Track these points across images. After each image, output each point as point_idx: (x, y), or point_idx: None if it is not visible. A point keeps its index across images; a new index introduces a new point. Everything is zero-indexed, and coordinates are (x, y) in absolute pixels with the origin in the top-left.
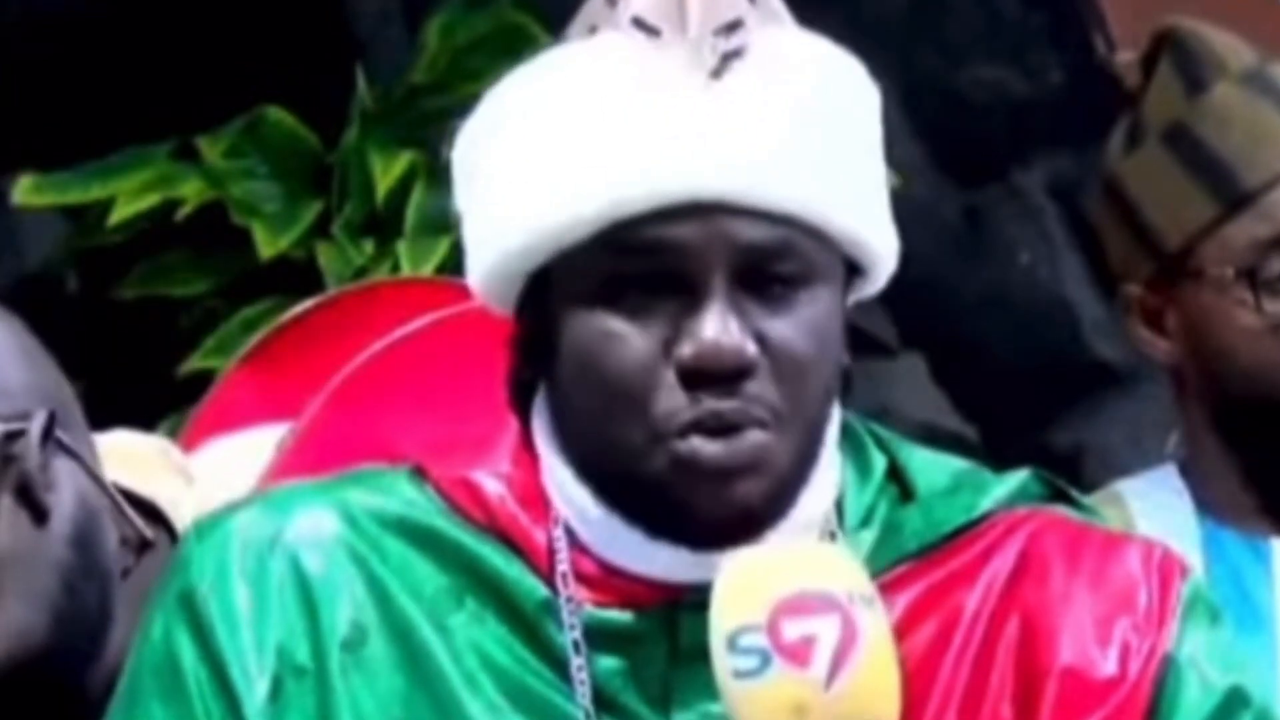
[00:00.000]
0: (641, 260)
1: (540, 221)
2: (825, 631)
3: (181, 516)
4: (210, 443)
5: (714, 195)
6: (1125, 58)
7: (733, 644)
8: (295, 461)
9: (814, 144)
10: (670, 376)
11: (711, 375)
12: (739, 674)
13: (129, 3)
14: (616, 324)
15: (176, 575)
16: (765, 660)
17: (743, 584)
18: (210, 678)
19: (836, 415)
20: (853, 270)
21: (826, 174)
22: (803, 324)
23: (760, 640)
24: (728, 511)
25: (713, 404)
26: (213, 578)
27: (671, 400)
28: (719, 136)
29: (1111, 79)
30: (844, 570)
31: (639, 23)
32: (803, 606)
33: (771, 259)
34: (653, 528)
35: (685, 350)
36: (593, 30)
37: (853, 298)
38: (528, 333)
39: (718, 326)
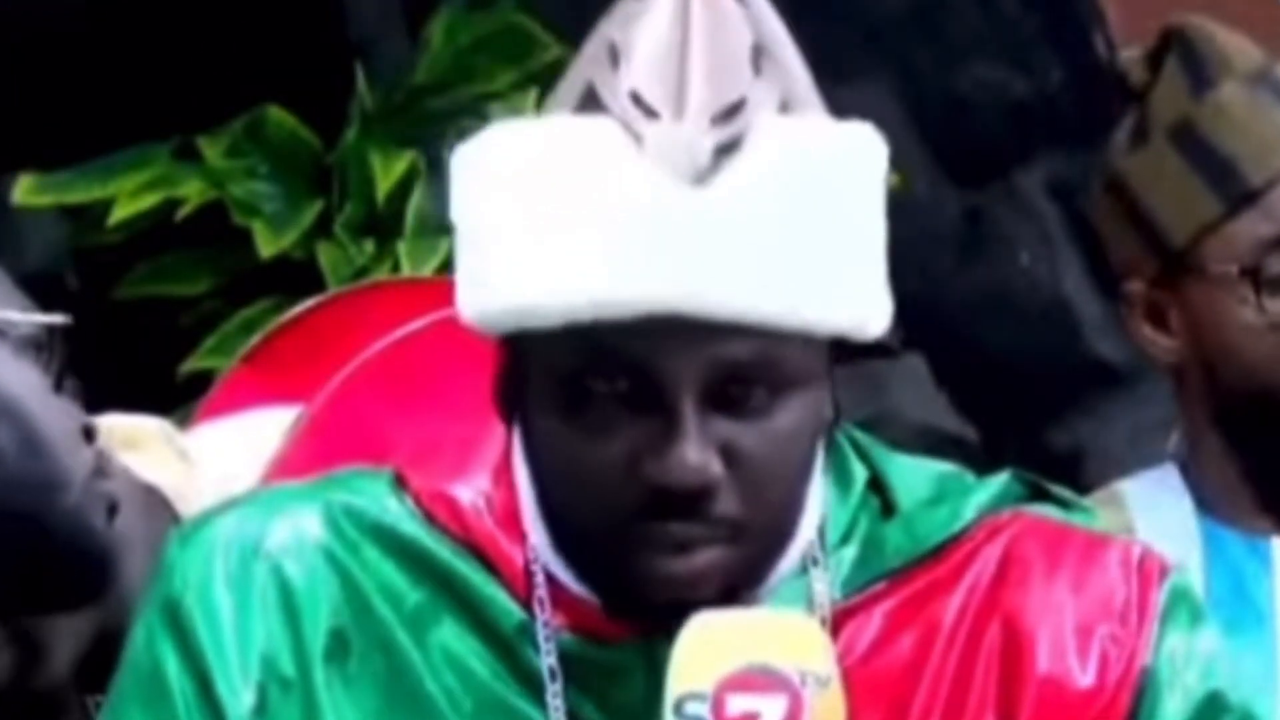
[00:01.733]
0: (612, 372)
1: (517, 298)
2: (769, 711)
3: (183, 497)
4: (207, 425)
5: (688, 309)
6: (1129, 55)
7: (678, 709)
8: (295, 461)
9: (806, 246)
10: (633, 486)
11: (675, 496)
12: None
13: (129, 3)
14: (582, 432)
15: (160, 582)
16: None
17: (697, 649)
18: (195, 688)
19: (819, 462)
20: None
21: (818, 276)
22: (775, 433)
23: (703, 711)
24: (685, 607)
25: (673, 526)
26: (196, 585)
27: (632, 512)
28: (703, 249)
29: (1112, 79)
30: (804, 646)
31: (637, 99)
32: (751, 683)
33: (748, 372)
34: (608, 607)
35: (650, 469)
36: (589, 88)
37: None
38: (506, 373)
39: (685, 449)
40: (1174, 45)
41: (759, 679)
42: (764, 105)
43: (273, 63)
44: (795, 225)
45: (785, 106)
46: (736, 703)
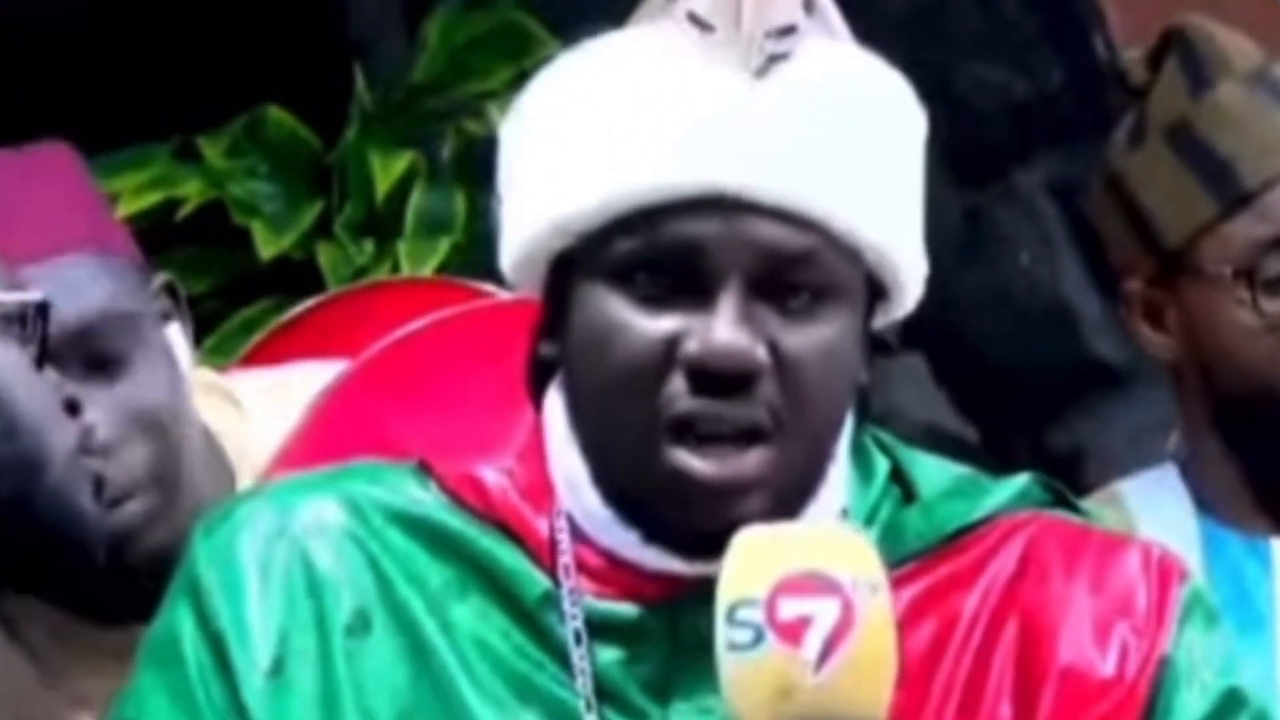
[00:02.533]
0: (660, 251)
1: (568, 203)
2: (822, 614)
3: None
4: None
5: (739, 191)
6: (1131, 55)
7: (731, 616)
8: (297, 461)
9: (850, 154)
10: (676, 370)
11: (717, 377)
12: (733, 646)
13: (129, 3)
14: (627, 311)
15: (184, 567)
16: (759, 635)
17: (750, 558)
18: (210, 656)
19: (848, 430)
20: (877, 292)
21: (859, 185)
22: (818, 340)
23: (757, 615)
24: (723, 527)
25: (715, 404)
26: (218, 563)
27: (673, 394)
28: (752, 133)
29: (1112, 79)
30: (855, 554)
31: (694, 18)
32: (804, 586)
33: (793, 266)
34: (649, 533)
35: (692, 348)
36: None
37: (878, 320)
38: (548, 313)
39: (729, 328)
40: (1174, 45)
41: (811, 583)
42: (813, 35)
43: (273, 63)
44: (842, 133)
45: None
46: (789, 607)
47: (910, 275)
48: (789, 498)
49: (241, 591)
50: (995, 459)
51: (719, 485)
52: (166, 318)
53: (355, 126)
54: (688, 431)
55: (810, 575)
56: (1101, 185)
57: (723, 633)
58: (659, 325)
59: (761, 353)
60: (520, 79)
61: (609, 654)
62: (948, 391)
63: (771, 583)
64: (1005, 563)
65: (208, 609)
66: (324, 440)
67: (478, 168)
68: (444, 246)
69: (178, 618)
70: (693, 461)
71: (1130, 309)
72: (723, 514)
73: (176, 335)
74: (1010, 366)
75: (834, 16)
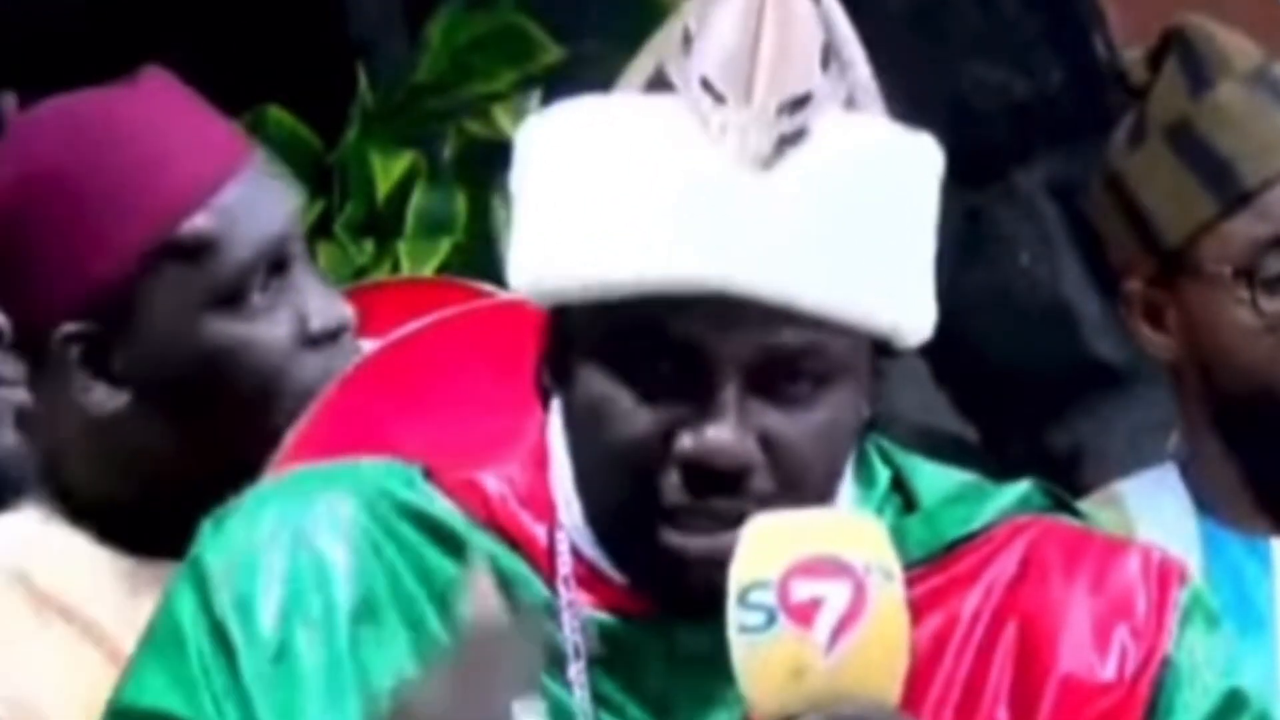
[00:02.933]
0: (661, 349)
1: (572, 270)
2: (834, 596)
3: None
4: None
5: (741, 290)
6: (1131, 55)
7: (743, 599)
8: (299, 459)
9: (861, 241)
10: (670, 462)
11: (710, 473)
12: (744, 629)
13: (129, 2)
14: (625, 398)
15: (192, 557)
16: (771, 618)
17: (763, 541)
18: (210, 639)
19: (850, 459)
20: (884, 349)
21: (870, 274)
22: (815, 425)
23: (769, 597)
24: (714, 592)
25: (707, 500)
26: (226, 555)
27: (667, 485)
28: (757, 231)
29: (1112, 79)
30: (867, 540)
31: (707, 84)
32: (816, 569)
33: (796, 360)
34: (639, 585)
35: (687, 445)
36: (660, 70)
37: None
38: (552, 343)
39: (724, 429)
40: (1174, 45)
41: (824, 566)
42: (829, 102)
43: (273, 63)
44: (851, 221)
45: (850, 105)
46: (802, 589)
47: (920, 329)
48: None
49: (247, 579)
50: (995, 459)
51: (710, 559)
52: None
53: (356, 126)
54: (679, 515)
55: (823, 558)
56: (1101, 185)
57: (735, 615)
58: (655, 416)
59: (756, 450)
60: (522, 80)
61: (607, 667)
62: (947, 392)
63: (785, 565)
64: (1006, 566)
65: (212, 596)
66: (325, 440)
67: (479, 168)
68: (444, 246)
69: (180, 604)
70: (684, 541)
71: (1130, 309)
72: (715, 582)
73: None
74: (1010, 366)
75: (852, 52)
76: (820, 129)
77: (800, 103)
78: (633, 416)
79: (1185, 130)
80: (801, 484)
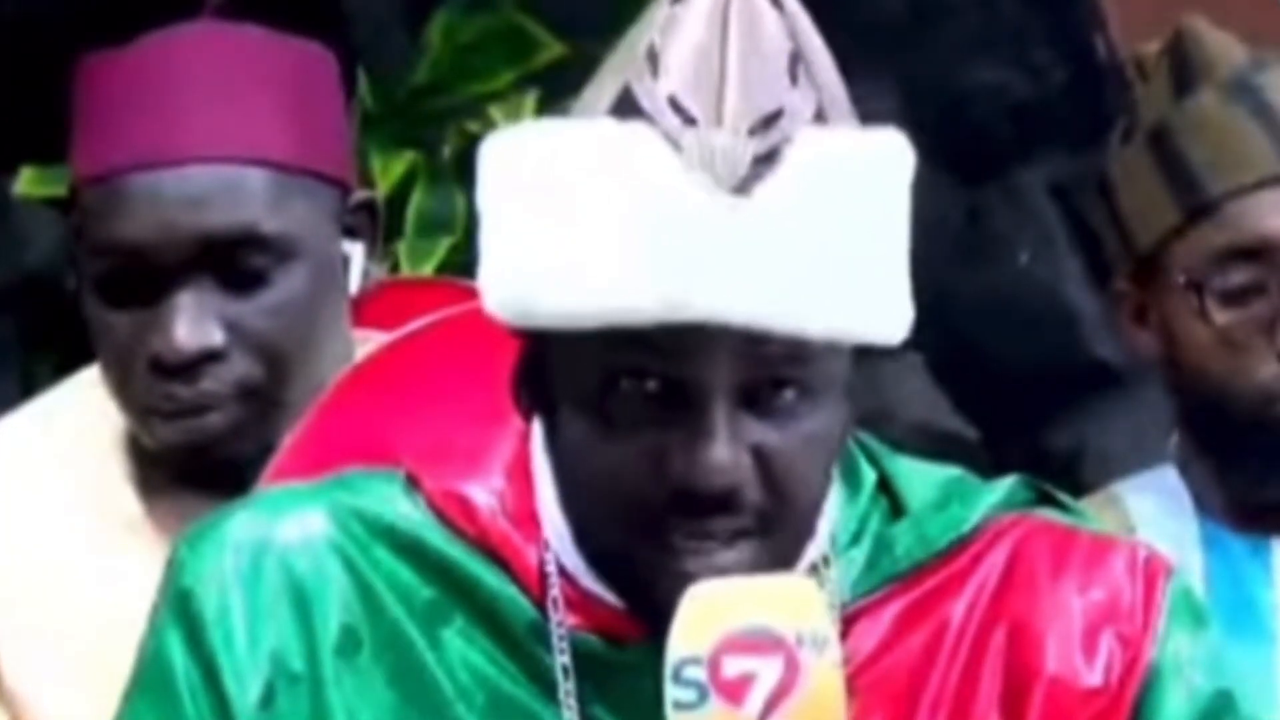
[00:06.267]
0: (644, 373)
1: (543, 298)
2: (765, 672)
3: None
4: None
5: (729, 319)
6: (1141, 51)
7: (677, 675)
8: (294, 461)
9: (838, 258)
10: (662, 487)
11: (702, 497)
12: (678, 705)
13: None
14: (609, 429)
15: (170, 580)
16: (703, 695)
17: (697, 615)
18: (201, 680)
19: (835, 469)
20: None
21: (849, 287)
22: (804, 435)
23: (700, 674)
24: None
25: (703, 521)
26: (206, 581)
27: (661, 510)
28: (733, 258)
29: (1111, 79)
30: (802, 609)
31: (675, 104)
32: (747, 644)
33: (778, 368)
34: (632, 606)
35: (678, 470)
36: (626, 91)
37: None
38: (527, 368)
39: (714, 451)
40: (1170, 46)
41: (754, 641)
42: (800, 115)
43: None
44: (829, 238)
45: (820, 116)
46: (732, 665)
47: (900, 329)
48: (776, 571)
49: (230, 613)
50: (994, 459)
51: (699, 579)
52: None
53: (356, 127)
54: (676, 538)
55: (754, 632)
56: (1096, 185)
57: (670, 692)
58: (642, 444)
59: (749, 466)
60: (522, 80)
61: (596, 689)
62: (947, 391)
63: (715, 641)
64: (992, 569)
65: (199, 633)
66: (324, 440)
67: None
68: (444, 246)
69: (168, 641)
70: (682, 565)
71: (1120, 307)
72: None
73: None
74: (1010, 366)
75: (819, 60)
76: (793, 147)
77: (771, 119)
78: (619, 447)
79: (1164, 135)
80: (794, 494)
